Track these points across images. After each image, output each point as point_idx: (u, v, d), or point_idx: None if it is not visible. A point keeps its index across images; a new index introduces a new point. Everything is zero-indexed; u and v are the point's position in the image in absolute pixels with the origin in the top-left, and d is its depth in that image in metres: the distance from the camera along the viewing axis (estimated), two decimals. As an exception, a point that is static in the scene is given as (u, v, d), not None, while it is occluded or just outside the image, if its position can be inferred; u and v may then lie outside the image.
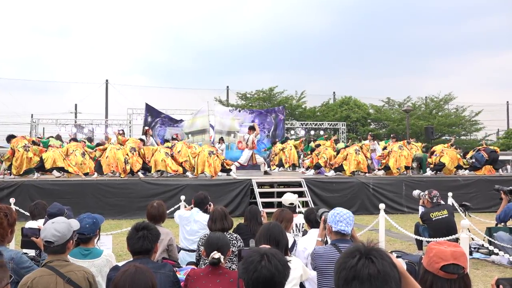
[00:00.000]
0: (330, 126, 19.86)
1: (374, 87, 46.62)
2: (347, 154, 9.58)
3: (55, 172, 8.92)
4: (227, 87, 25.22)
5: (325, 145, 10.68)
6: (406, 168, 10.03)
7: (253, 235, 3.20)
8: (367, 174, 9.71)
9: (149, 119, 14.02)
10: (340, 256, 1.17)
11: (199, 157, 8.93)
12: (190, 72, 53.60)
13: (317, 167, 10.12)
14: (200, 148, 9.22)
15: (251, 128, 10.43)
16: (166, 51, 58.67)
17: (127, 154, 8.84)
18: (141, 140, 9.55)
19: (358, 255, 1.11)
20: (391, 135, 11.23)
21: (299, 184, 8.98)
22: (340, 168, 9.66)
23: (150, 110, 14.44)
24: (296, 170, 12.14)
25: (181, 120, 14.45)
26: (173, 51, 57.88)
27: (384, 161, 10.06)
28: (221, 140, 11.78)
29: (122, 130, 10.90)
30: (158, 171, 9.07)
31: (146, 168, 9.30)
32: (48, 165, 8.53)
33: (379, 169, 10.20)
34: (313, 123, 19.10)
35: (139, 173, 8.93)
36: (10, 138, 8.96)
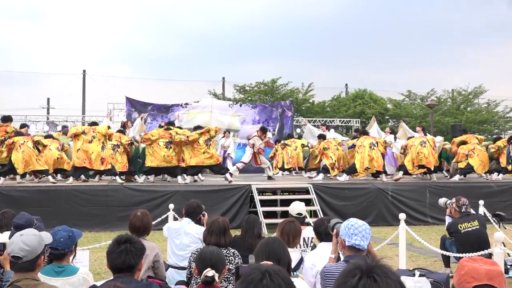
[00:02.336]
0: (342, 123, 19.87)
1: (393, 78, 46.56)
2: (359, 153, 9.46)
3: (50, 177, 8.85)
4: (223, 78, 25.22)
5: (335, 141, 10.53)
6: (428, 170, 9.87)
7: (249, 250, 3.23)
8: (385, 178, 9.68)
9: (135, 115, 14.03)
10: (339, 275, 1.16)
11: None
12: (179, 61, 53.26)
13: (325, 170, 10.10)
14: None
15: (263, 130, 10.42)
16: (152, 37, 58.56)
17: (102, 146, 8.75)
18: (121, 131, 9.51)
19: (358, 274, 1.10)
20: (417, 127, 10.96)
21: (306, 191, 8.97)
22: (353, 169, 9.60)
23: (134, 104, 14.42)
24: (302, 174, 12.16)
25: (177, 105, 14.42)
26: (160, 36, 57.73)
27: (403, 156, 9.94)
28: (227, 133, 11.58)
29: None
30: (147, 173, 9.06)
31: (129, 172, 9.31)
32: (20, 171, 8.52)
33: (397, 170, 10.13)
34: (322, 120, 19.11)
35: (118, 177, 8.90)
36: None
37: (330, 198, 8.97)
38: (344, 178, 9.64)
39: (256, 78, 37.56)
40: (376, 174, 9.78)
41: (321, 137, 10.65)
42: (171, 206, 6.91)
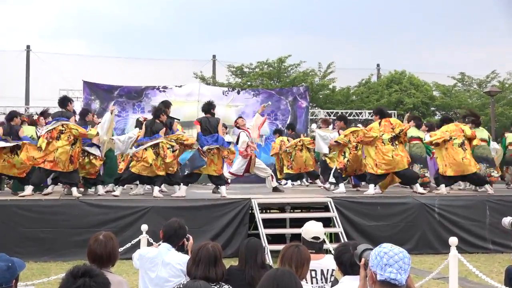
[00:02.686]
0: (372, 116, 19.80)
1: (441, 57, 46.52)
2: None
3: None
4: (213, 56, 25.40)
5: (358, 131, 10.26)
6: (476, 182, 9.83)
7: (250, 285, 3.28)
8: (420, 189, 9.56)
9: (96, 105, 14.06)
10: None
11: None
12: (155, 35, 53.43)
13: (340, 178, 10.05)
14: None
15: (240, 117, 10.69)
16: (119, 3, 58.80)
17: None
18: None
19: None
20: (466, 118, 10.88)
21: (324, 207, 9.00)
22: (375, 176, 9.47)
23: (94, 90, 14.38)
24: (318, 184, 12.18)
25: (153, 88, 14.47)
26: (130, 2, 58.02)
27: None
28: (223, 127, 11.63)
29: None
30: (117, 182, 9.08)
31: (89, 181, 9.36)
32: None
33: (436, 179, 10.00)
34: (346, 112, 19.08)
35: (74, 189, 8.89)
36: None
37: (357, 217, 8.98)
38: (373, 189, 9.63)
39: (258, 56, 37.61)
40: (405, 182, 9.77)
41: (342, 119, 10.53)
42: (144, 227, 6.93)
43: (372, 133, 9.47)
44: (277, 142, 12.87)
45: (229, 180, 10.57)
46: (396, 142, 9.41)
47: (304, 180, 13.07)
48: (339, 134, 10.32)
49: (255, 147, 10.47)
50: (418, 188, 9.65)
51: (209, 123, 9.11)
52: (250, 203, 8.74)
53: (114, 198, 8.98)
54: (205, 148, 8.84)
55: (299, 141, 12.22)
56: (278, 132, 13.34)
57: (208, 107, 9.38)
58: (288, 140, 12.65)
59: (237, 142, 10.49)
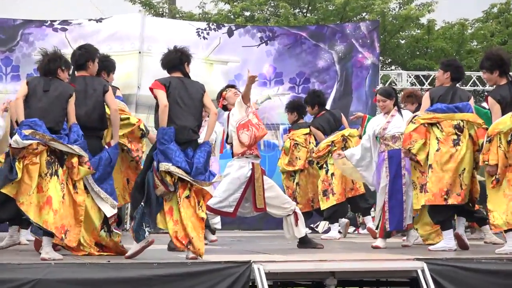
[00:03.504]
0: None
1: None
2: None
3: None
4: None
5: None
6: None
7: None
8: None
9: None
10: None
11: None
12: None
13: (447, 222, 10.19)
14: None
15: (231, 87, 11.11)
16: None
17: None
18: None
19: None
20: None
21: (410, 281, 9.28)
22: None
23: None
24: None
25: (41, 25, 15.49)
26: None
27: None
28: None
29: None
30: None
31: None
32: None
33: None
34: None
35: None
36: None
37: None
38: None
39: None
40: None
41: (449, 67, 10.52)
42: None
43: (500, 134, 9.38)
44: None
45: (216, 224, 10.99)
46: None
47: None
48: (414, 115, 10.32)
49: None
50: None
51: (185, 93, 8.82)
52: (251, 271, 8.76)
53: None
54: (162, 166, 8.47)
55: (342, 138, 12.76)
56: (294, 107, 13.56)
57: (180, 59, 8.97)
58: (310, 138, 13.25)
59: (226, 138, 10.80)
